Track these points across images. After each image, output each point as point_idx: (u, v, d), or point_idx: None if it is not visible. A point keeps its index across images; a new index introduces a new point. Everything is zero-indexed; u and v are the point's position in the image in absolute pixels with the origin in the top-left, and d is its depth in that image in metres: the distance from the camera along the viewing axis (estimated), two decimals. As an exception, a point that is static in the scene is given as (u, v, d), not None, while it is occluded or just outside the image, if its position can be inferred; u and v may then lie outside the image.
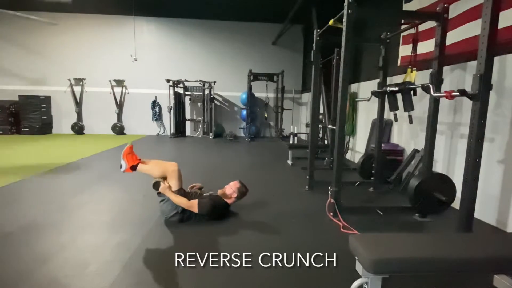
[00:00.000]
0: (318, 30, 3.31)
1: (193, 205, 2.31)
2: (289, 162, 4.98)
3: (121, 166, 2.38)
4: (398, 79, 3.83)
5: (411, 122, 2.69)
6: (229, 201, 2.53)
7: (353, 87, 5.42)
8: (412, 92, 2.68)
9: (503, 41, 2.30)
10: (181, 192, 2.43)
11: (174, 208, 2.36)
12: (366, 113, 4.89)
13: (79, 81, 8.63)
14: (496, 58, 2.13)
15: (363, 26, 4.67)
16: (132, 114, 8.91)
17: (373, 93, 3.28)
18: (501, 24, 1.96)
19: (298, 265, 1.84)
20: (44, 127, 8.41)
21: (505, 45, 2.35)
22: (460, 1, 2.92)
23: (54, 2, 5.85)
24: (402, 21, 3.08)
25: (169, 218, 2.40)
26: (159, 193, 2.38)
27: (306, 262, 1.88)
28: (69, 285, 1.59)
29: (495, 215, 2.48)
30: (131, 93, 8.86)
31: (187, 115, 8.88)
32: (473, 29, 2.75)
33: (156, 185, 2.36)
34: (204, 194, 2.54)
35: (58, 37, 8.45)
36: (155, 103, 8.88)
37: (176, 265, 1.81)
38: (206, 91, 8.36)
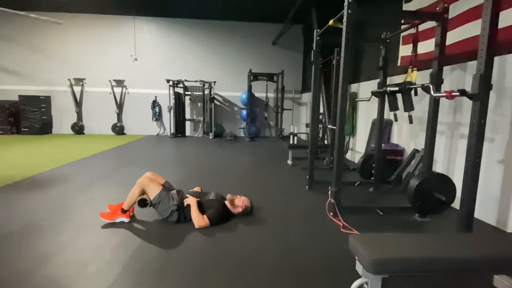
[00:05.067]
0: (318, 30, 3.31)
1: (206, 223, 2.34)
2: (289, 162, 4.98)
3: (124, 222, 2.42)
4: (398, 79, 3.84)
5: (411, 122, 2.69)
6: (233, 210, 2.56)
7: (353, 87, 5.42)
8: (412, 92, 2.68)
9: (503, 41, 2.31)
10: (165, 190, 2.45)
11: (169, 208, 2.38)
12: (366, 113, 4.90)
13: (79, 81, 8.63)
14: (496, 58, 2.14)
15: (363, 26, 4.67)
16: (132, 114, 8.92)
17: (373, 93, 3.28)
18: (501, 24, 1.97)
19: (298, 265, 1.85)
20: (44, 127, 8.42)
21: (505, 45, 2.35)
22: (460, 1, 2.92)
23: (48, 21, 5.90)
24: (402, 21, 3.08)
25: (167, 219, 2.41)
26: (145, 205, 2.41)
27: (306, 262, 1.88)
28: (69, 285, 1.59)
29: (495, 215, 2.48)
30: (131, 93, 8.86)
31: (187, 115, 8.88)
32: (473, 29, 2.75)
33: (141, 202, 2.39)
34: (210, 198, 2.55)
35: (58, 37, 8.45)
36: (155, 103, 8.88)
37: (176, 265, 1.82)
38: (206, 91, 8.37)
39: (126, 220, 2.43)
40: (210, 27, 8.79)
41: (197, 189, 2.80)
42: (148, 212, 2.61)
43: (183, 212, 2.41)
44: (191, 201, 2.42)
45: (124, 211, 2.40)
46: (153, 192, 2.39)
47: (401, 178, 3.56)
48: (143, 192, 2.40)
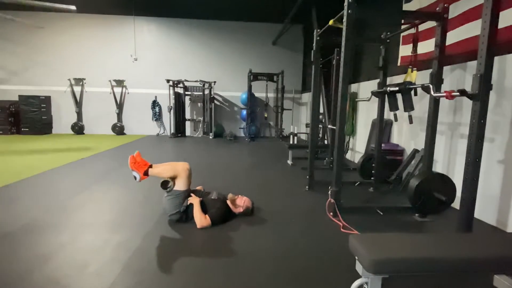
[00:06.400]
0: (318, 30, 3.32)
1: (208, 222, 2.34)
2: (289, 162, 4.98)
3: (135, 178, 2.40)
4: (398, 79, 3.84)
5: (411, 122, 2.69)
6: (234, 210, 2.56)
7: (353, 87, 5.42)
8: (412, 92, 2.68)
9: (503, 41, 2.31)
10: (187, 193, 2.45)
11: (177, 207, 2.38)
12: (366, 113, 4.90)
13: (79, 81, 8.63)
14: (496, 58, 2.14)
15: (363, 26, 4.67)
16: (132, 114, 8.91)
17: (373, 93, 3.28)
18: (501, 24, 1.97)
19: (298, 264, 1.85)
20: (44, 127, 8.42)
21: (505, 45, 2.35)
22: (460, 1, 2.92)
23: (60, 9, 5.80)
24: (402, 21, 3.08)
25: (170, 216, 2.42)
26: (166, 189, 2.40)
27: (306, 262, 1.88)
28: (69, 285, 1.59)
29: (495, 215, 2.48)
30: (131, 93, 8.86)
31: (187, 115, 8.88)
32: (473, 29, 2.75)
33: (164, 184, 2.38)
34: (212, 197, 2.55)
35: (58, 37, 8.46)
36: (155, 103, 8.88)
37: (176, 264, 1.82)
38: (206, 91, 8.37)
39: (138, 178, 2.38)
40: (210, 27, 8.79)
41: (199, 188, 2.80)
42: (148, 212, 2.61)
43: (185, 212, 2.41)
44: (194, 200, 2.42)
45: (145, 173, 2.38)
46: (180, 186, 2.39)
47: (401, 178, 3.56)
48: (173, 177, 2.40)
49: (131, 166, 2.38)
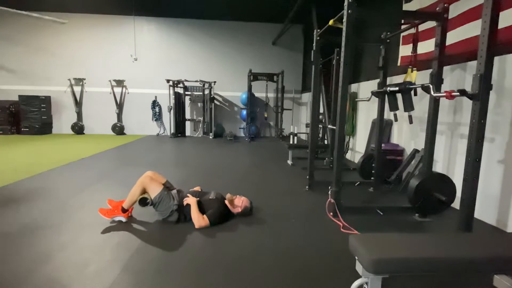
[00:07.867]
0: (318, 30, 3.32)
1: (206, 222, 2.34)
2: (289, 162, 4.98)
3: (121, 221, 2.42)
4: (398, 79, 3.84)
5: (411, 122, 2.69)
6: (232, 210, 2.56)
7: (353, 87, 5.42)
8: (412, 92, 2.68)
9: (503, 41, 2.31)
10: (167, 190, 2.45)
11: (168, 208, 2.38)
12: (366, 113, 4.90)
13: (79, 81, 8.63)
14: (496, 58, 2.14)
15: (363, 26, 4.67)
16: (132, 114, 8.92)
17: (373, 93, 3.28)
18: (501, 24, 1.97)
19: (298, 265, 1.85)
20: (44, 127, 8.42)
21: (505, 45, 2.35)
22: (460, 1, 2.92)
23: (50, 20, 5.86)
24: (402, 21, 3.08)
25: (166, 219, 2.41)
26: (146, 204, 2.40)
27: (306, 262, 1.88)
28: (69, 285, 1.59)
29: (495, 215, 2.48)
30: (131, 93, 8.86)
31: (187, 115, 8.88)
32: (473, 29, 2.75)
33: (141, 201, 2.39)
34: (210, 197, 2.55)
35: (58, 37, 8.46)
36: (155, 103, 8.88)
37: (176, 264, 1.82)
38: (206, 91, 8.37)
39: (124, 219, 2.42)
40: (210, 27, 8.79)
41: (197, 188, 2.80)
42: (148, 212, 2.60)
43: (183, 212, 2.41)
44: (191, 201, 2.42)
45: (124, 210, 2.40)
46: (154, 191, 2.39)
47: (401, 178, 3.56)
48: (144, 191, 2.41)
49: (108, 217, 2.40)
